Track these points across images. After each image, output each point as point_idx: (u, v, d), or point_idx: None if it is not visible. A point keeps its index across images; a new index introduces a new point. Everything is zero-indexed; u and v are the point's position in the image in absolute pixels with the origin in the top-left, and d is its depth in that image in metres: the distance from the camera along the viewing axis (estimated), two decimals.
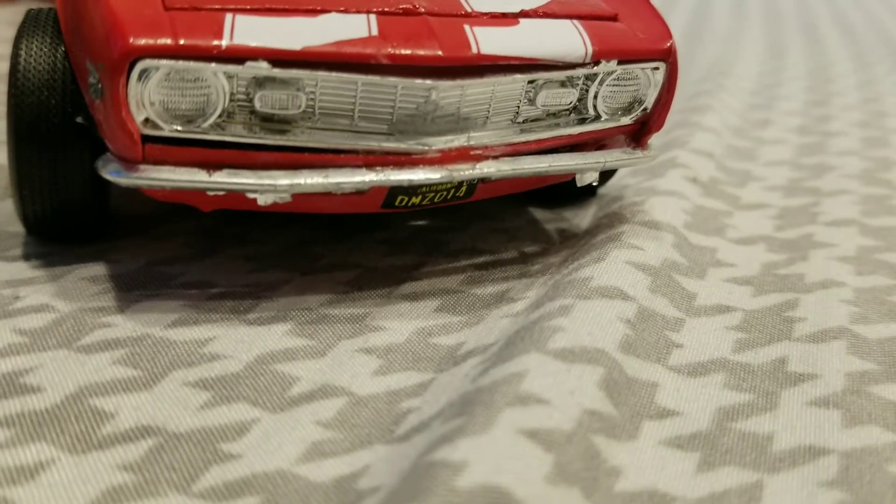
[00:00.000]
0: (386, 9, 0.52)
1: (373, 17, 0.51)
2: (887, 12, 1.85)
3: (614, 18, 0.58)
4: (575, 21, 0.56)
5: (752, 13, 1.71)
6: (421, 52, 0.50)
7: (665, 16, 0.62)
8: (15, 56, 0.56)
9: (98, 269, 0.59)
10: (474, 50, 0.51)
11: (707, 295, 0.61)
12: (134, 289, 0.57)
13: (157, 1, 0.49)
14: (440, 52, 0.50)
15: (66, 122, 0.55)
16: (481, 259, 0.64)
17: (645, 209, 0.67)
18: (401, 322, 0.55)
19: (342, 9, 0.51)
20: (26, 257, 0.61)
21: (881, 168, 0.89)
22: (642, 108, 0.58)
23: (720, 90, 1.09)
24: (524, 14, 0.55)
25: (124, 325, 0.53)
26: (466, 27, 0.52)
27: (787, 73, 1.26)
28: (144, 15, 0.48)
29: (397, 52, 0.49)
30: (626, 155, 0.59)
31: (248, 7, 0.50)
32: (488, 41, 0.52)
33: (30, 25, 0.57)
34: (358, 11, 0.51)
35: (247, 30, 0.48)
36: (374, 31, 0.50)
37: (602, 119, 0.57)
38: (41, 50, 0.56)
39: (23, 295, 0.56)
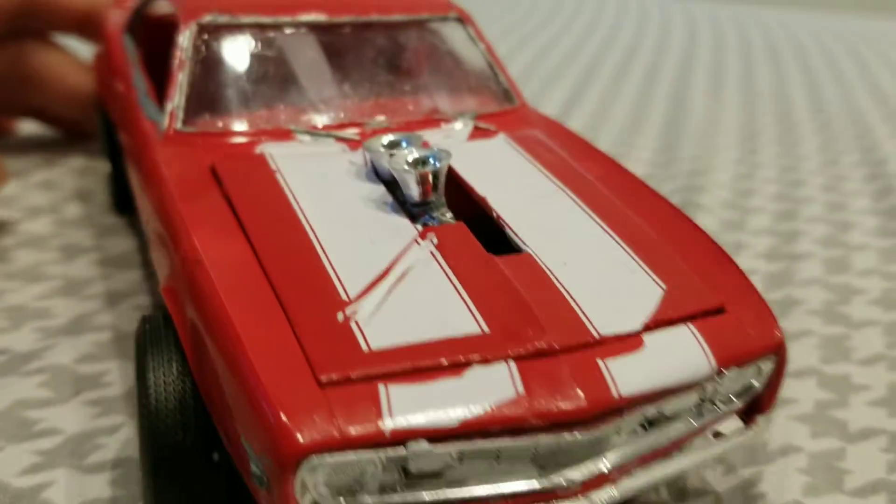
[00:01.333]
0: (523, 352, 0.50)
1: (513, 365, 0.50)
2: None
3: (722, 309, 0.57)
4: (692, 327, 0.55)
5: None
6: (567, 408, 0.49)
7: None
8: (143, 389, 0.54)
9: None
10: (615, 394, 0.50)
11: None
12: None
13: (307, 372, 0.48)
14: (584, 405, 0.49)
15: (202, 461, 0.54)
16: None
17: None
18: None
19: (483, 358, 0.50)
20: None
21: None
22: (753, 392, 0.58)
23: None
24: (647, 328, 0.54)
25: None
26: (600, 363, 0.51)
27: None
28: (302, 398, 0.46)
29: (546, 409, 0.48)
30: (740, 436, 0.59)
31: (399, 370, 0.48)
32: (625, 380, 0.51)
33: (153, 348, 0.56)
34: (497, 358, 0.50)
35: (403, 405, 0.47)
36: (521, 388, 0.49)
37: (718, 408, 0.57)
38: (170, 384, 0.54)
39: None
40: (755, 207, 1.13)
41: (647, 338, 0.54)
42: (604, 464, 0.52)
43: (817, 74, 1.83)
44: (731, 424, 0.59)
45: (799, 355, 0.81)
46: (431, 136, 0.73)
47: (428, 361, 0.49)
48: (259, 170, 0.66)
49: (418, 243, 0.58)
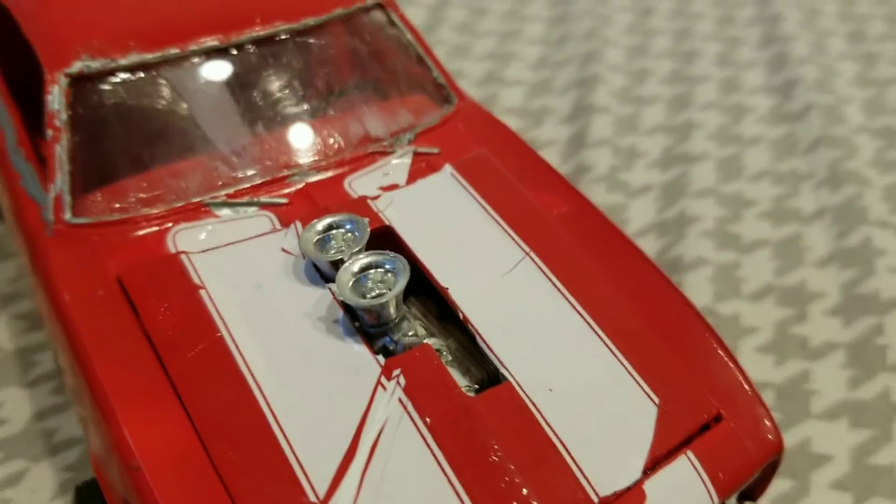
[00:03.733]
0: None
1: None
2: None
3: (720, 418, 0.54)
4: (690, 456, 0.52)
5: None
6: None
7: None
8: None
9: None
10: None
11: None
12: None
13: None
14: None
15: None
16: None
17: None
18: None
19: None
20: None
21: None
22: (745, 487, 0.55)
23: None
24: (646, 470, 0.50)
25: None
26: None
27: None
28: None
29: None
30: None
31: None
32: None
33: None
34: None
35: None
36: None
37: None
38: None
39: None
40: (650, 96, 1.11)
41: (648, 487, 0.50)
42: None
43: None
44: None
45: (694, 294, 0.82)
46: (367, 181, 0.65)
47: None
48: (179, 288, 0.56)
49: (383, 387, 0.51)
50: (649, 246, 0.88)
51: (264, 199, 0.63)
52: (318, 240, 0.58)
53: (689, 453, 0.52)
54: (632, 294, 0.59)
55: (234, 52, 0.66)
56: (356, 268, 0.54)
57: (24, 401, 0.71)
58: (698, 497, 0.51)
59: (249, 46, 0.67)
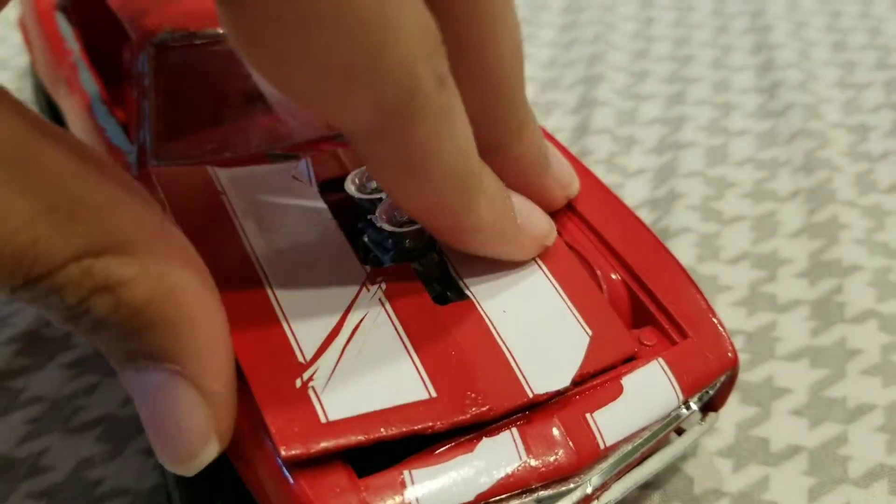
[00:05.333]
0: (463, 418, 0.56)
1: (517, 435, 0.57)
2: None
3: (686, 336, 0.65)
4: (661, 362, 0.63)
5: None
6: (563, 465, 0.56)
7: None
8: None
9: None
10: (602, 446, 0.58)
11: None
12: None
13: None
14: (576, 460, 0.57)
15: None
16: None
17: None
18: None
19: (491, 432, 0.57)
20: None
21: None
22: (707, 398, 0.66)
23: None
24: (625, 371, 0.62)
25: None
26: (589, 417, 0.59)
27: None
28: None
29: (545, 475, 0.56)
30: (698, 428, 0.67)
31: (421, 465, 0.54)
32: (609, 430, 0.59)
33: None
34: (503, 429, 0.57)
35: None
36: (524, 457, 0.56)
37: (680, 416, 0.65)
38: None
39: None
40: (648, 93, 1.23)
41: (626, 381, 0.61)
42: (589, 487, 0.59)
43: None
44: (690, 418, 0.67)
45: (679, 257, 0.93)
46: None
47: (380, 432, 0.53)
48: (204, 191, 0.68)
49: (367, 289, 0.61)
50: (642, 218, 0.99)
51: (305, 154, 0.75)
52: (361, 182, 0.71)
53: (660, 359, 0.63)
54: (619, 238, 0.71)
55: None
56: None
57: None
58: (666, 393, 0.62)
59: None
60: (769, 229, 0.99)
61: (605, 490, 0.61)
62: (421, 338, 0.59)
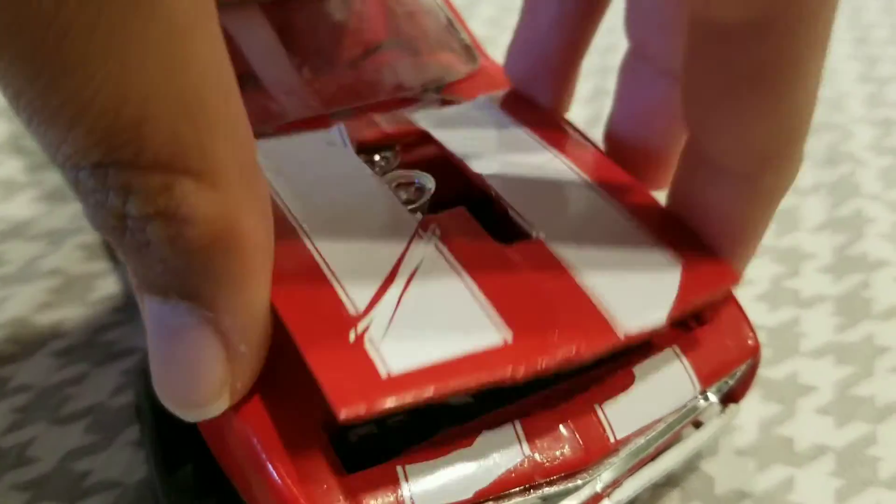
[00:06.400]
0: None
1: (519, 428, 0.51)
2: None
3: (704, 322, 0.60)
4: (678, 351, 0.57)
5: None
6: (570, 460, 0.51)
7: None
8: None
9: None
10: (611, 440, 0.53)
11: None
12: None
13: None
14: (584, 455, 0.51)
15: None
16: None
17: None
18: None
19: (491, 425, 0.51)
20: None
21: None
22: (727, 388, 0.62)
23: None
24: (637, 359, 0.56)
25: None
26: (597, 407, 0.53)
27: None
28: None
29: (550, 470, 0.50)
30: (718, 421, 0.62)
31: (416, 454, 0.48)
32: (619, 422, 0.53)
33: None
34: (504, 422, 0.51)
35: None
36: (527, 451, 0.50)
37: (698, 408, 0.60)
38: None
39: None
40: None
41: (639, 370, 0.56)
42: (599, 484, 0.54)
43: None
44: (709, 410, 0.62)
45: None
46: (396, 117, 0.72)
47: (450, 384, 0.46)
48: None
49: (420, 236, 0.55)
50: None
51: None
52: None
53: (676, 347, 0.58)
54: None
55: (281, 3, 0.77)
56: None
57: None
58: (682, 382, 0.57)
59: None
60: (791, 223, 0.95)
61: (617, 487, 0.56)
62: (488, 280, 0.51)
